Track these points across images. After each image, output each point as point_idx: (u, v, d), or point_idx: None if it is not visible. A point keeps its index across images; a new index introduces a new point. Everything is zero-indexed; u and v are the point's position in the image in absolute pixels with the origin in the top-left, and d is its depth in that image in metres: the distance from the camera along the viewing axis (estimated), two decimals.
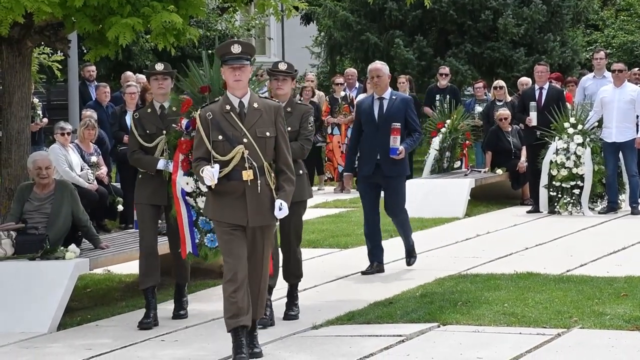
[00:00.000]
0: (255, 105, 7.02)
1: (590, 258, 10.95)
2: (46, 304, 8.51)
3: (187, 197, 8.11)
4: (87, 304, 9.52)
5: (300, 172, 8.40)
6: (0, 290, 8.60)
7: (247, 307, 6.94)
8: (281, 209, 6.95)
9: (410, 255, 10.64)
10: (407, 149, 10.20)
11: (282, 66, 8.52)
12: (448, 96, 17.18)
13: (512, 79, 21.75)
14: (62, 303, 8.56)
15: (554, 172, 14.23)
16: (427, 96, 18.33)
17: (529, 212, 14.65)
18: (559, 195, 14.26)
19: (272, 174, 7.02)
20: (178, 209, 8.15)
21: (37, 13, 8.66)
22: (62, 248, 8.86)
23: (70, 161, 12.15)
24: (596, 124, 14.35)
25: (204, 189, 7.79)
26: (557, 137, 14.22)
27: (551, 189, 14.30)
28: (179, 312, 8.73)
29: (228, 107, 6.98)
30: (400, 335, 7.76)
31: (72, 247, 8.89)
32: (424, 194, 14.84)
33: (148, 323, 8.35)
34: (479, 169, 16.27)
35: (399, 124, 10.06)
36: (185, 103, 8.08)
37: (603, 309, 8.41)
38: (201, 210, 8.00)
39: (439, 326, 8.08)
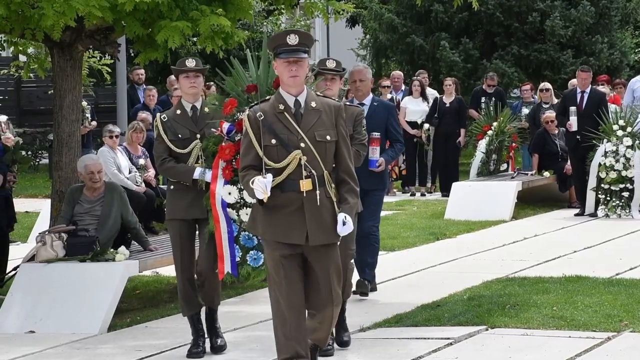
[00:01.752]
0: (313, 104, 6.07)
1: None
2: (96, 305, 8.59)
3: (229, 209, 7.21)
4: (136, 306, 9.59)
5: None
6: (51, 292, 8.69)
7: (306, 345, 6.10)
8: (345, 223, 5.98)
9: (370, 284, 9.39)
10: (388, 161, 9.31)
11: (331, 64, 7.86)
12: (494, 99, 17.15)
13: (559, 81, 21.64)
14: (112, 304, 8.63)
15: (603, 175, 14.14)
16: (472, 98, 18.29)
17: (576, 215, 14.56)
18: (608, 198, 14.16)
19: (333, 185, 6.07)
20: (217, 223, 7.22)
21: (88, 17, 8.75)
22: (112, 250, 8.95)
23: (119, 164, 12.24)
24: None
25: (250, 200, 6.89)
26: (605, 140, 14.12)
27: (599, 192, 14.20)
28: (217, 343, 7.65)
29: (282, 107, 6.02)
30: (448, 338, 7.75)
31: (122, 249, 8.97)
32: (470, 196, 14.83)
33: (198, 353, 7.55)
34: (526, 172, 16.19)
35: (378, 133, 8.96)
36: (229, 103, 7.27)
37: None
38: (244, 225, 7.10)
39: (487, 329, 8.06)
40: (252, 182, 5.88)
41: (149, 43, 9.35)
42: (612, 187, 14.13)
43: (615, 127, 14.13)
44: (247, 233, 7.10)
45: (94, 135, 16.67)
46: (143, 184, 12.36)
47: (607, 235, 12.75)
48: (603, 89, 16.05)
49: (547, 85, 17.27)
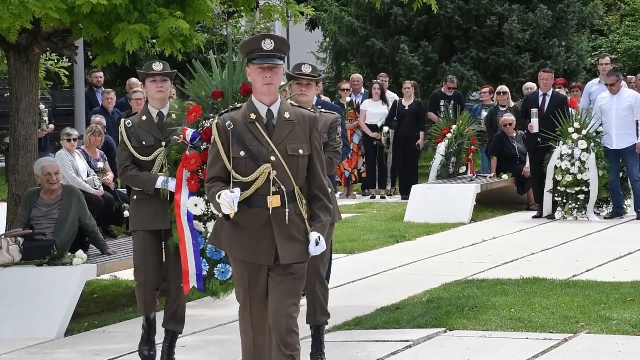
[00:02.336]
0: (287, 115, 5.61)
1: (597, 263, 10.95)
2: (54, 310, 8.53)
3: (195, 222, 6.82)
4: (94, 310, 9.53)
5: (329, 190, 6.95)
6: (8, 297, 8.62)
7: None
8: (318, 243, 5.59)
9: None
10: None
11: (306, 69, 7.47)
12: (453, 102, 17.22)
13: (517, 84, 21.75)
14: (69, 309, 8.57)
15: (559, 178, 14.17)
16: (431, 101, 18.34)
17: (534, 217, 14.63)
18: (564, 201, 14.21)
19: (304, 201, 5.66)
20: (182, 236, 6.81)
21: (45, 20, 8.69)
22: (69, 254, 8.88)
23: (77, 167, 12.17)
24: (601, 129, 14.28)
25: (225, 211, 6.27)
26: (561, 142, 14.18)
27: (556, 194, 14.25)
28: None
29: (253, 117, 5.58)
30: (407, 341, 7.76)
31: (80, 253, 8.91)
32: (430, 199, 14.87)
33: (151, 357, 7.43)
34: (485, 175, 16.27)
35: None
36: (193, 110, 6.81)
37: (610, 314, 8.41)
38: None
39: (445, 331, 8.09)
40: (219, 197, 5.45)
41: (107, 46, 9.30)
42: (569, 190, 14.14)
43: (570, 129, 14.16)
44: (213, 246, 6.55)
45: (51, 139, 16.54)
46: (102, 188, 12.30)
47: (564, 238, 12.83)
48: (560, 92, 16.15)
49: (505, 88, 17.35)
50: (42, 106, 14.69)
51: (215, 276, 6.78)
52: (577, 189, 14.11)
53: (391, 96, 18.22)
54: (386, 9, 22.52)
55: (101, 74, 16.94)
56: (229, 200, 5.41)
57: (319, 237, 5.60)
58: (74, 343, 8.27)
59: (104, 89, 16.66)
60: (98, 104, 16.30)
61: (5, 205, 10.75)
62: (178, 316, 7.31)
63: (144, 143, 7.28)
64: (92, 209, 10.84)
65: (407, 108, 17.39)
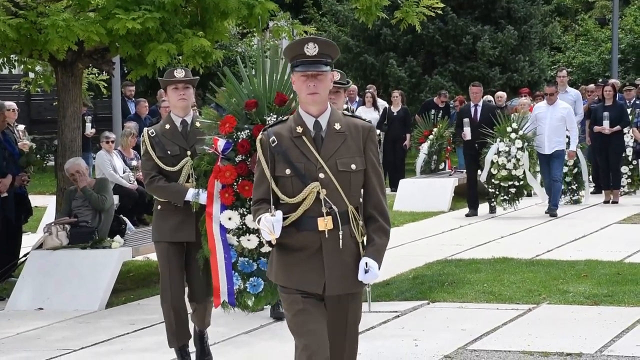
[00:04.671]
0: (337, 126, 4.31)
1: (556, 245, 10.95)
2: (96, 286, 8.54)
3: (228, 235, 5.68)
4: (130, 286, 9.53)
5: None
6: (57, 275, 8.63)
7: None
8: (368, 270, 4.24)
9: None
10: None
11: (335, 76, 6.02)
12: (441, 112, 17.27)
13: (488, 93, 21.73)
14: (109, 285, 8.59)
15: (494, 171, 13.43)
16: (422, 108, 18.30)
17: (467, 215, 13.70)
18: (497, 192, 13.51)
19: (361, 222, 4.34)
20: (213, 249, 5.67)
21: (87, 40, 8.70)
22: (108, 239, 8.90)
23: (115, 165, 12.16)
24: (533, 132, 13.55)
25: (251, 225, 5.52)
26: (498, 140, 13.41)
27: (490, 186, 13.54)
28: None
29: (300, 130, 4.28)
30: (396, 311, 7.76)
31: (117, 237, 8.93)
32: (415, 191, 14.89)
33: None
34: (462, 170, 16.23)
35: None
36: (227, 120, 5.65)
37: (567, 287, 8.42)
38: (245, 252, 5.68)
39: (428, 303, 8.09)
40: (259, 221, 4.24)
41: (140, 62, 9.30)
42: (502, 183, 13.43)
43: (509, 128, 13.41)
44: (246, 259, 5.66)
45: (92, 141, 16.54)
46: (135, 182, 12.30)
47: (528, 223, 12.83)
48: (525, 99, 16.13)
49: (488, 97, 17.19)
50: (87, 117, 14.80)
51: (247, 290, 5.69)
52: (510, 182, 13.43)
53: (381, 103, 18.20)
54: (377, 29, 22.49)
55: (133, 87, 16.94)
56: (268, 224, 4.17)
57: (368, 261, 4.24)
58: (113, 314, 8.28)
59: (135, 100, 16.65)
60: (130, 112, 16.30)
61: (54, 197, 10.76)
62: (204, 315, 6.21)
63: (168, 152, 6.04)
64: (127, 201, 10.88)
65: (395, 114, 17.38)
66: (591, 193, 15.13)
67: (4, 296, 9.00)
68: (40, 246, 8.88)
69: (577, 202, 14.76)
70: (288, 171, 4.25)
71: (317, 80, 4.26)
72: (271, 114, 5.53)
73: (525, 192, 13.80)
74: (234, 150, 5.60)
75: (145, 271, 10.31)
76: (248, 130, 5.59)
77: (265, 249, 5.55)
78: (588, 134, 15.41)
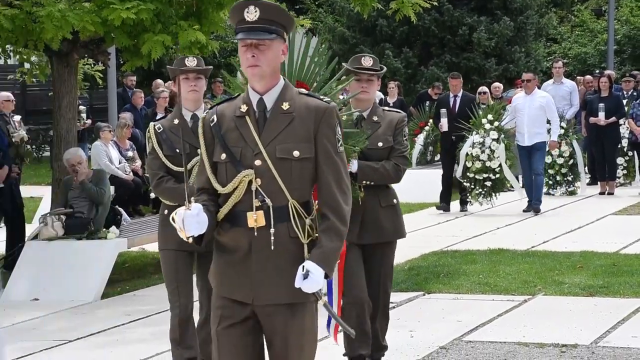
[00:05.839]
0: (285, 106, 3.62)
1: (551, 236, 10.96)
2: (91, 276, 8.53)
3: None
4: (125, 277, 9.53)
5: (394, 201, 5.41)
6: (52, 265, 8.62)
7: None
8: (307, 277, 3.49)
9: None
10: None
11: (367, 61, 5.40)
12: (435, 103, 17.18)
13: (484, 84, 21.74)
14: (104, 276, 8.58)
15: (469, 164, 13.00)
16: (417, 99, 18.28)
17: (438, 208, 13.33)
18: (472, 187, 13.07)
19: (308, 220, 3.62)
20: None
21: (83, 31, 8.68)
22: (104, 230, 8.88)
23: (110, 156, 12.15)
24: (513, 123, 13.17)
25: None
26: (474, 132, 13.04)
27: (465, 180, 13.09)
28: None
29: (244, 109, 3.64)
30: (392, 302, 7.70)
31: (113, 228, 8.92)
32: (411, 182, 14.75)
33: None
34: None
35: None
36: None
37: (562, 278, 8.43)
38: None
39: (424, 294, 8.09)
40: (172, 217, 3.56)
41: (135, 52, 9.28)
42: (477, 177, 12.96)
43: (484, 120, 13.04)
44: None
45: (88, 132, 16.53)
46: (131, 173, 12.28)
47: (524, 214, 12.83)
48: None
49: (484, 88, 17.07)
50: (82, 107, 14.72)
51: None
52: (485, 175, 12.95)
53: (377, 94, 18.14)
54: (373, 20, 22.46)
55: (134, 77, 16.93)
56: (178, 220, 3.52)
57: (309, 267, 3.50)
58: (109, 305, 8.27)
59: (134, 89, 16.65)
60: (130, 102, 16.29)
61: (50, 188, 10.74)
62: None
63: (177, 150, 5.36)
64: (123, 191, 10.86)
65: (391, 104, 17.33)
66: (587, 184, 15.14)
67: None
68: (35, 237, 8.87)
69: (572, 193, 14.77)
70: (224, 156, 3.63)
71: (259, 50, 3.57)
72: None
73: (504, 187, 13.22)
74: None
75: (140, 262, 10.31)
76: None
77: None
78: (584, 125, 15.42)
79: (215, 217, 3.59)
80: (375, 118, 5.41)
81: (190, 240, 3.54)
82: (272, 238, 3.56)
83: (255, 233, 3.57)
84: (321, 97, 3.73)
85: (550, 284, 8.24)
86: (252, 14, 3.56)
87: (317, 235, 3.60)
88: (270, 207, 3.56)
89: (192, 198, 3.57)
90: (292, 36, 4.89)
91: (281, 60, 3.65)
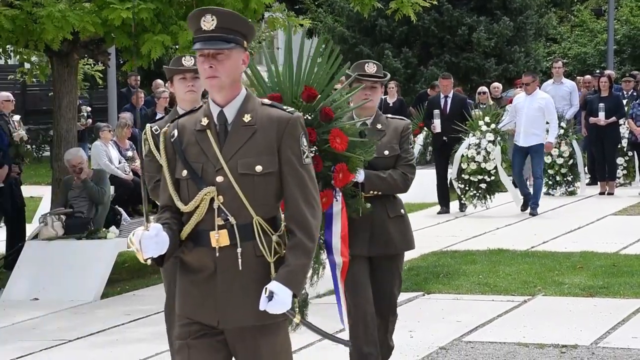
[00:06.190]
0: (247, 118, 3.48)
1: (551, 236, 10.96)
2: (91, 276, 8.53)
3: None
4: (125, 277, 9.53)
5: (402, 211, 5.22)
6: (52, 265, 8.62)
7: None
8: (272, 298, 3.36)
9: None
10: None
11: (371, 68, 5.26)
12: (426, 104, 17.17)
13: (483, 84, 21.76)
14: (104, 276, 8.58)
15: (464, 166, 12.80)
16: (416, 100, 18.27)
17: (439, 213, 13.06)
18: (467, 188, 12.89)
19: (275, 238, 3.48)
20: None
21: (83, 31, 8.68)
22: (104, 229, 8.88)
23: (110, 156, 12.15)
24: (513, 125, 13.03)
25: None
26: (470, 134, 12.83)
27: (459, 182, 12.90)
28: None
29: (205, 122, 3.51)
30: None
31: (112, 228, 8.92)
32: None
33: None
34: None
35: None
36: None
37: (562, 279, 8.43)
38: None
39: (424, 295, 8.09)
40: (130, 238, 3.47)
41: (135, 52, 9.28)
42: (472, 178, 12.78)
43: (481, 122, 12.83)
44: None
45: (88, 132, 16.54)
46: (131, 173, 12.28)
47: (523, 214, 12.82)
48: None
49: (484, 88, 17.04)
50: (88, 108, 14.77)
51: None
52: (480, 177, 12.76)
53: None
54: (372, 20, 22.47)
55: (138, 77, 16.94)
56: (135, 241, 3.41)
57: (274, 288, 3.35)
58: (109, 304, 8.27)
59: (138, 89, 16.67)
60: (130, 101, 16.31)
61: (50, 187, 10.75)
62: None
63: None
64: (123, 191, 10.86)
65: (391, 104, 17.30)
66: (587, 184, 15.14)
67: (0, 286, 8.98)
68: (35, 236, 8.87)
69: (572, 193, 14.77)
70: (185, 173, 3.48)
71: (217, 60, 3.42)
72: (299, 111, 4.54)
73: (498, 189, 12.98)
74: None
75: (140, 262, 10.29)
76: None
77: None
78: (584, 125, 15.43)
79: (177, 236, 3.46)
80: (379, 126, 5.20)
81: (149, 261, 3.43)
82: (238, 258, 3.41)
83: (219, 253, 3.42)
84: (285, 107, 3.58)
85: (550, 284, 8.23)
86: (209, 22, 3.43)
87: (284, 252, 3.45)
88: (234, 225, 3.42)
89: (152, 217, 3.45)
90: (302, 39, 4.95)
91: (242, 70, 3.50)
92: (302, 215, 3.44)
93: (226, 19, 3.43)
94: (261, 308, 3.36)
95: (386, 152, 5.11)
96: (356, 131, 4.83)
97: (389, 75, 5.41)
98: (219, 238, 3.41)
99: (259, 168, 3.43)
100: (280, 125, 3.46)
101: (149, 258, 3.41)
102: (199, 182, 3.44)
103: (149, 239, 3.37)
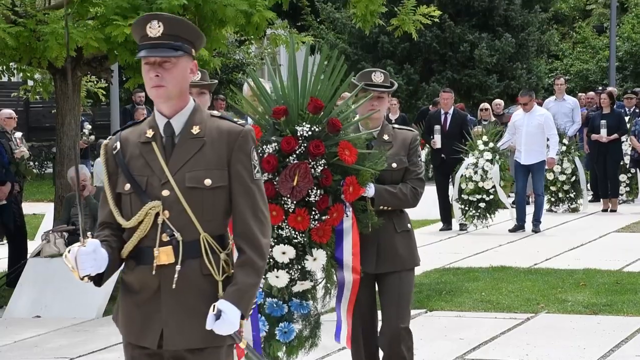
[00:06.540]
0: (196, 130, 3.32)
1: (554, 253, 10.94)
2: (93, 293, 8.46)
3: None
4: None
5: (409, 225, 5.11)
6: (54, 282, 8.61)
7: None
8: (219, 318, 3.20)
9: None
10: None
11: (378, 77, 5.06)
12: (426, 119, 17.20)
13: (485, 101, 21.80)
14: (107, 292, 8.55)
15: (463, 186, 12.71)
16: (418, 116, 18.30)
17: (441, 229, 13.01)
18: (466, 208, 12.76)
19: (224, 255, 3.32)
20: None
21: (86, 48, 8.69)
22: None
23: None
24: (513, 142, 13.01)
25: (279, 258, 4.50)
26: (470, 154, 12.72)
27: (460, 202, 12.78)
28: None
29: (150, 134, 3.34)
30: None
31: None
32: None
33: None
34: None
35: None
36: None
37: (565, 296, 8.41)
38: (274, 291, 4.64)
39: (426, 312, 8.07)
40: (65, 254, 3.28)
41: (139, 69, 9.28)
42: (470, 198, 12.67)
43: (479, 142, 12.73)
44: (274, 300, 4.63)
45: (91, 149, 16.57)
46: None
47: (526, 231, 12.80)
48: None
49: (486, 105, 17.05)
50: (89, 125, 14.79)
51: (277, 337, 4.67)
52: (478, 196, 12.64)
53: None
54: (374, 37, 22.55)
55: (142, 93, 17.00)
56: (70, 258, 3.24)
57: (223, 307, 3.19)
58: (111, 322, 8.16)
59: (137, 106, 16.72)
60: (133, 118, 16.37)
61: (53, 205, 10.75)
62: None
63: None
64: None
65: (393, 121, 17.33)
66: (589, 201, 15.13)
67: (2, 304, 8.98)
68: (38, 254, 8.86)
69: (575, 210, 14.76)
70: (128, 186, 3.31)
71: (163, 69, 3.26)
72: (304, 123, 4.52)
73: (498, 207, 12.80)
74: (263, 170, 4.50)
75: None
76: (275, 144, 4.53)
77: (298, 287, 4.60)
78: (586, 142, 15.43)
79: (118, 253, 3.30)
80: (386, 137, 4.99)
81: (86, 280, 3.23)
82: (182, 276, 3.23)
83: (163, 272, 3.24)
84: (235, 119, 3.40)
85: (553, 301, 8.21)
86: (155, 29, 3.28)
87: (232, 271, 3.29)
88: (179, 242, 3.24)
89: (89, 233, 3.28)
90: (306, 55, 4.77)
91: (190, 79, 3.34)
92: (251, 232, 3.28)
93: (173, 26, 3.29)
94: (208, 327, 3.19)
95: (394, 165, 4.89)
96: (364, 143, 4.68)
97: (396, 85, 5.27)
98: (162, 255, 3.24)
99: (207, 182, 3.27)
100: (231, 138, 3.31)
101: (86, 276, 3.23)
102: (143, 196, 3.27)
103: (85, 255, 3.21)
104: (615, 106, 15.35)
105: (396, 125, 5.20)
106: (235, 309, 3.19)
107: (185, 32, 3.30)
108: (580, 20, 32.23)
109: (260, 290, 4.52)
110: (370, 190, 4.73)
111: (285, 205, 4.43)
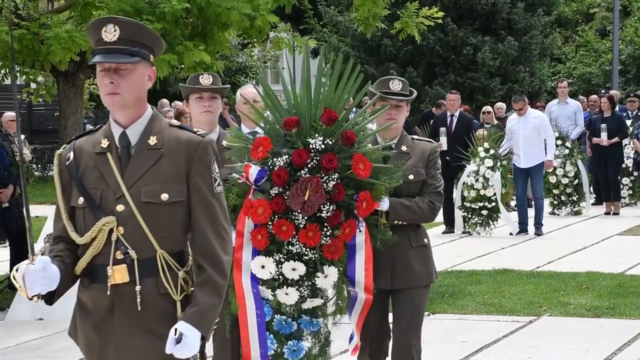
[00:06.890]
0: (153, 141, 3.17)
1: (557, 256, 10.94)
2: None
3: (261, 287, 4.36)
4: None
5: (425, 240, 4.88)
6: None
7: None
8: (180, 340, 3.04)
9: None
10: None
11: (396, 85, 4.92)
12: (433, 121, 17.20)
13: (488, 104, 21.80)
14: None
15: (466, 194, 12.76)
16: (421, 119, 18.31)
17: (444, 232, 12.95)
18: (469, 216, 12.78)
19: (182, 273, 3.17)
20: (242, 304, 4.36)
21: (89, 51, 8.72)
22: None
23: None
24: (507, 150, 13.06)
25: (289, 274, 4.30)
26: (472, 161, 12.71)
27: (462, 209, 12.82)
28: None
29: (105, 144, 3.18)
30: None
31: None
32: None
33: None
34: None
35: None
36: (259, 143, 4.31)
37: (568, 299, 8.40)
38: (283, 307, 4.39)
39: (429, 315, 8.07)
40: (12, 274, 3.10)
41: None
42: (473, 205, 12.70)
43: (480, 149, 12.70)
44: (283, 317, 4.40)
45: None
46: None
47: (529, 234, 12.80)
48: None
49: (489, 108, 17.03)
50: (89, 126, 14.78)
51: (285, 356, 4.43)
52: (480, 204, 12.65)
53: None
54: (377, 40, 22.55)
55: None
56: (18, 277, 3.04)
57: (183, 330, 3.04)
58: None
59: None
60: None
61: (55, 207, 10.75)
62: None
63: None
64: None
65: None
66: (592, 204, 15.13)
67: (4, 306, 8.99)
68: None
69: (577, 213, 14.76)
70: (81, 200, 3.14)
71: (119, 75, 3.09)
72: (317, 135, 4.25)
73: (500, 214, 12.78)
74: (269, 180, 4.28)
75: None
76: (287, 156, 4.26)
77: (308, 305, 4.41)
78: (588, 145, 15.43)
79: (72, 269, 3.15)
80: (404, 148, 4.80)
81: (35, 299, 3.07)
82: (138, 296, 3.08)
83: (117, 291, 3.09)
84: (195, 129, 3.25)
85: (556, 304, 8.21)
86: (110, 33, 3.09)
87: (192, 289, 3.14)
88: (134, 260, 3.08)
89: (39, 249, 3.09)
90: (319, 59, 4.64)
91: (148, 86, 3.16)
92: (212, 249, 3.11)
93: (130, 30, 3.10)
94: (168, 351, 3.03)
95: (411, 177, 4.73)
96: (380, 156, 4.46)
97: (415, 93, 5.04)
98: (116, 274, 3.09)
99: (164, 196, 3.10)
100: (190, 149, 3.14)
101: (35, 295, 3.06)
102: (96, 211, 3.10)
103: (34, 273, 3.02)
104: (617, 109, 15.34)
105: (415, 137, 5.02)
106: (196, 331, 3.05)
107: (142, 36, 3.13)
108: (583, 24, 32.24)
109: (269, 306, 4.38)
110: (384, 204, 4.57)
111: (296, 221, 4.24)
